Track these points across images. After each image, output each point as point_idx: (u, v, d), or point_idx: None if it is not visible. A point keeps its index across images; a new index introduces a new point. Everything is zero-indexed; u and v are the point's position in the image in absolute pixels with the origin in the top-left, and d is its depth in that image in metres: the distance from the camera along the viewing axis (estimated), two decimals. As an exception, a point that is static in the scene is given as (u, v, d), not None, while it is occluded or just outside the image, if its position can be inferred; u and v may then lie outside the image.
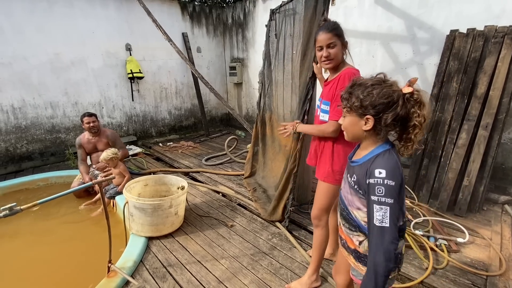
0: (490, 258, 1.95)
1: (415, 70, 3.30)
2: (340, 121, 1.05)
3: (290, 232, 2.32)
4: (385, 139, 0.96)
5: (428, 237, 2.15)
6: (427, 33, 3.14)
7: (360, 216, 0.99)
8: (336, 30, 1.43)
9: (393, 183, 0.86)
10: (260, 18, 5.12)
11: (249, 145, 3.63)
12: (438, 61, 2.96)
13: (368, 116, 0.91)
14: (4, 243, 2.47)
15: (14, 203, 1.24)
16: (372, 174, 0.89)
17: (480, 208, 2.57)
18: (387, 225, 0.85)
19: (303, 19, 2.23)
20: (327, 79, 1.59)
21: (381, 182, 0.86)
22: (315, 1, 2.03)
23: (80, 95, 4.43)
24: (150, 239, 2.28)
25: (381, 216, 0.86)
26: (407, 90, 0.88)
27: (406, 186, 2.92)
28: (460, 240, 2.11)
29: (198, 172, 3.72)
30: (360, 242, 1.02)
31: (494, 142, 2.51)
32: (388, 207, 0.85)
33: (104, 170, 3.07)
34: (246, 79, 5.85)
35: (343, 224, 1.10)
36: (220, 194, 3.13)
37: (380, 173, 0.88)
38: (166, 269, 1.96)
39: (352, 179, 0.98)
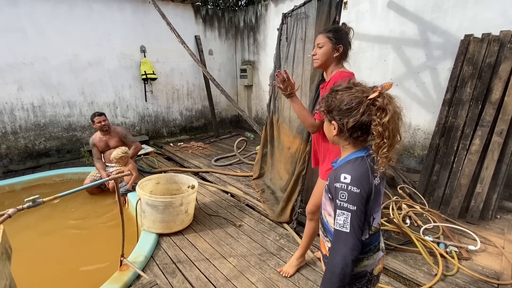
0: (502, 267, 1.91)
1: (428, 75, 3.26)
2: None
3: (298, 234, 2.34)
4: (361, 146, 0.92)
5: (438, 243, 2.13)
6: (441, 37, 3.11)
7: (330, 222, 0.95)
8: (330, 33, 1.51)
9: (357, 190, 0.83)
10: (272, 21, 5.18)
11: (258, 147, 3.67)
12: (451, 66, 2.92)
13: (333, 122, 0.91)
14: (23, 234, 2.57)
15: (37, 195, 1.31)
16: (338, 179, 0.86)
17: (493, 216, 2.52)
18: (347, 230, 0.82)
19: (316, 23, 2.26)
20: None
21: (345, 188, 0.84)
22: (328, 5, 2.06)
23: (96, 95, 4.58)
24: (160, 235, 2.34)
25: (342, 221, 0.83)
26: (371, 95, 0.84)
27: (416, 191, 2.89)
28: (471, 247, 2.08)
29: (208, 172, 3.78)
30: (329, 248, 0.96)
31: (508, 149, 2.46)
32: (350, 213, 0.83)
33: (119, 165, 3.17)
34: (257, 81, 5.91)
35: (320, 228, 1.08)
36: (229, 194, 3.17)
37: (345, 178, 0.85)
38: (176, 265, 2.01)
39: (326, 183, 0.96)
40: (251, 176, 3.48)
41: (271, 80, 3.25)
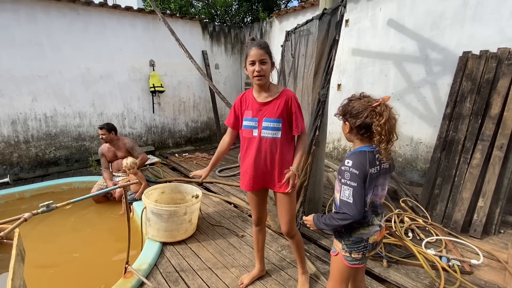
0: (506, 282, 1.89)
1: (428, 90, 3.34)
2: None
3: (300, 245, 2.35)
4: (367, 143, 1.20)
5: (440, 257, 2.12)
6: (440, 54, 3.20)
7: (337, 197, 1.23)
8: (267, 48, 1.50)
9: (356, 172, 1.11)
10: (276, 38, 5.36)
11: (261, 158, 3.72)
12: (451, 81, 3.00)
13: (346, 122, 1.21)
14: (29, 239, 2.64)
15: (51, 201, 1.39)
16: (343, 163, 1.17)
17: (496, 230, 2.51)
18: (351, 201, 1.11)
19: (316, 40, 2.38)
20: (255, 98, 1.62)
21: (348, 169, 1.13)
22: (328, 24, 2.17)
23: (105, 106, 4.75)
24: (164, 244, 2.38)
25: (347, 194, 1.12)
26: (373, 104, 1.13)
27: (419, 204, 2.90)
28: (474, 261, 2.07)
29: (212, 182, 3.83)
30: None
31: (510, 163, 2.48)
32: (352, 188, 1.11)
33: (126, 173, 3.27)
34: (261, 94, 6.04)
35: (333, 207, 1.34)
36: (232, 205, 3.21)
37: (348, 162, 1.14)
38: (179, 274, 2.04)
39: (339, 167, 1.26)
40: (254, 187, 3.52)
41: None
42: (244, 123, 1.65)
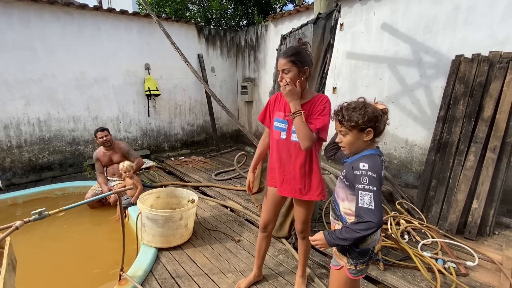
0: (501, 283, 1.91)
1: (422, 93, 3.37)
2: (338, 140, 1.22)
3: (296, 250, 2.34)
4: (373, 146, 1.20)
5: (436, 259, 2.13)
6: (433, 57, 3.25)
7: (342, 206, 1.22)
8: (293, 57, 1.43)
9: (374, 175, 1.06)
10: (272, 41, 5.39)
11: (258, 162, 3.72)
12: (444, 84, 3.04)
13: (369, 129, 1.14)
14: (23, 247, 2.59)
15: (43, 208, 1.36)
16: (357, 167, 1.10)
17: (491, 232, 2.53)
18: (373, 207, 1.03)
19: (312, 45, 2.39)
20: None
21: (364, 173, 1.07)
22: (323, 29, 2.19)
23: (100, 110, 4.70)
24: (160, 250, 2.35)
25: (368, 200, 1.04)
26: (382, 106, 1.18)
27: (414, 206, 2.92)
28: (469, 263, 2.08)
29: (208, 186, 3.81)
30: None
31: (503, 165, 2.52)
32: (372, 193, 1.04)
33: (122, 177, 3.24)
34: (257, 97, 6.06)
35: (331, 214, 1.33)
36: (229, 209, 3.20)
37: (363, 166, 1.09)
38: (175, 280, 2.02)
39: (342, 174, 1.22)
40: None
41: (270, 96, 3.35)
42: (274, 123, 1.62)
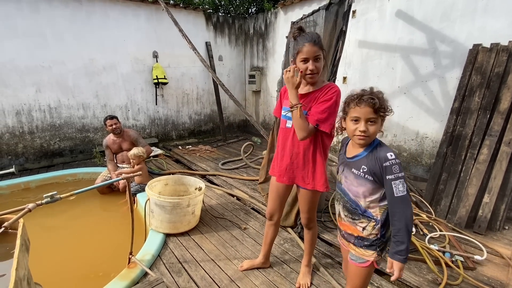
0: (509, 278, 1.88)
1: (436, 83, 3.27)
2: (363, 129, 1.10)
3: (302, 239, 2.35)
4: None
5: (443, 253, 2.11)
6: (449, 46, 3.12)
7: (366, 203, 1.17)
8: (321, 43, 1.40)
9: (399, 161, 1.08)
10: (281, 29, 5.27)
11: (264, 152, 3.72)
12: (460, 75, 2.93)
13: (386, 116, 1.13)
14: (34, 229, 2.68)
15: (55, 192, 1.40)
16: (386, 158, 1.08)
17: (501, 226, 2.48)
18: (405, 193, 1.06)
19: (323, 32, 2.32)
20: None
21: (395, 162, 1.07)
22: (335, 15, 2.12)
23: (109, 98, 4.74)
24: (167, 235, 2.40)
25: (401, 187, 1.06)
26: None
27: (423, 199, 2.88)
28: (477, 257, 2.06)
29: (215, 175, 3.84)
30: (364, 228, 1.20)
31: (517, 159, 2.44)
32: (403, 179, 1.07)
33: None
34: (265, 87, 5.99)
35: (345, 216, 1.27)
36: (235, 197, 3.22)
37: (391, 155, 1.08)
38: (182, 265, 2.06)
39: (362, 170, 1.15)
40: (257, 180, 3.53)
41: (278, 86, 3.30)
42: (282, 112, 1.61)
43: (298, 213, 2.44)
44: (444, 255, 2.08)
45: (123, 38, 4.65)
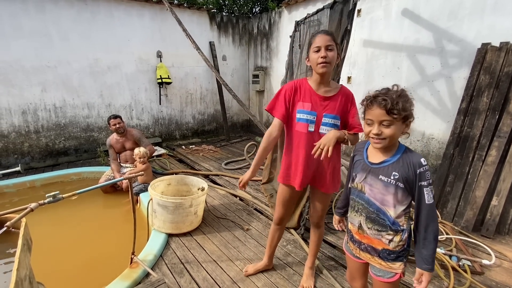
0: (519, 284, 1.83)
1: (443, 83, 3.20)
2: (376, 132, 1.06)
3: (305, 240, 2.33)
4: None
5: (450, 256, 2.07)
6: (457, 45, 3.06)
7: (395, 213, 1.10)
8: (333, 36, 1.41)
9: (428, 167, 1.06)
10: (285, 28, 5.24)
11: (268, 152, 3.68)
12: (467, 75, 2.87)
13: (410, 120, 1.07)
14: (38, 228, 2.69)
15: (57, 192, 1.39)
16: (420, 164, 1.04)
17: (510, 230, 2.42)
18: (433, 200, 1.04)
19: (327, 31, 2.29)
20: (315, 90, 1.50)
21: (427, 168, 1.04)
22: (340, 14, 2.08)
23: (113, 97, 4.76)
24: (170, 236, 2.40)
25: (431, 195, 1.04)
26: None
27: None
28: (485, 262, 2.01)
29: (218, 175, 3.83)
30: (390, 240, 1.13)
31: (527, 161, 2.38)
32: (432, 186, 1.04)
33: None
34: (268, 87, 5.96)
35: (368, 228, 1.17)
36: (238, 198, 3.20)
37: (424, 161, 1.05)
38: (184, 265, 2.05)
39: (393, 177, 1.07)
40: (260, 180, 3.50)
41: (282, 85, 3.28)
42: (299, 115, 1.49)
43: (301, 215, 2.42)
44: (450, 259, 2.04)
45: (127, 38, 4.67)
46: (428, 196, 1.02)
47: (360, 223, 1.20)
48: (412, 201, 1.10)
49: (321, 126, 1.47)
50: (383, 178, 1.09)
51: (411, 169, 1.04)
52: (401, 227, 1.11)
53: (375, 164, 1.13)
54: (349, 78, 4.18)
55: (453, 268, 1.94)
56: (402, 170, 1.06)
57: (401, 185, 1.06)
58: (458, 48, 3.05)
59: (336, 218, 1.50)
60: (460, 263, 2.01)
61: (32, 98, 4.11)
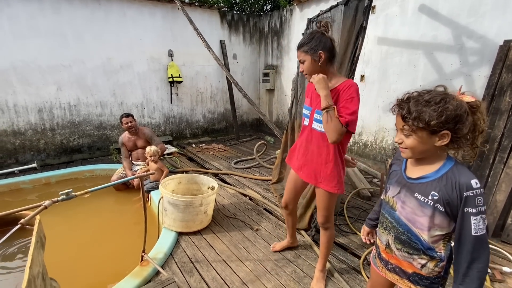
0: (544, 294, 1.73)
1: (462, 82, 3.08)
2: (397, 140, 0.97)
3: (316, 242, 2.29)
4: (447, 152, 0.95)
5: (468, 263, 1.98)
6: (477, 42, 2.93)
7: (431, 238, 0.95)
8: (302, 47, 1.46)
9: (483, 191, 0.89)
10: (296, 26, 5.17)
11: (278, 151, 3.66)
12: (489, 73, 2.74)
13: (444, 132, 0.87)
14: (50, 225, 2.76)
15: (71, 189, 1.41)
16: (469, 186, 0.86)
17: (533, 237, 2.30)
18: (484, 232, 0.85)
19: (342, 28, 2.23)
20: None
21: (480, 192, 0.85)
22: (355, 10, 2.02)
23: (125, 96, 4.83)
24: (180, 234, 2.40)
25: (482, 225, 0.85)
26: (470, 99, 0.87)
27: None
28: (506, 269, 1.92)
29: (227, 174, 3.82)
30: (423, 265, 0.98)
31: (553, 164, 2.25)
32: (484, 214, 0.86)
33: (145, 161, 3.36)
34: (279, 85, 5.91)
35: (397, 249, 1.04)
36: (247, 197, 3.19)
37: (476, 183, 0.86)
38: (193, 265, 2.05)
39: (431, 197, 0.92)
40: (270, 180, 3.47)
41: (293, 84, 3.23)
42: (303, 110, 1.67)
43: (312, 216, 2.37)
44: (469, 265, 1.95)
45: (139, 37, 4.72)
46: (475, 227, 0.85)
47: (388, 242, 1.07)
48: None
49: (313, 122, 1.57)
50: (419, 196, 0.94)
51: (455, 191, 0.87)
52: (438, 253, 0.96)
53: (412, 179, 0.98)
54: (362, 76, 4.08)
55: (472, 275, 1.85)
56: (444, 190, 0.89)
57: (441, 208, 0.90)
58: (479, 45, 2.92)
59: (365, 229, 1.33)
60: (480, 270, 1.92)
61: (48, 97, 4.21)
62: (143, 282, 1.81)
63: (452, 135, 0.87)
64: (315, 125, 1.55)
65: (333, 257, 2.14)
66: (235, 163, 4.21)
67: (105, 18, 4.37)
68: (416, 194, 0.95)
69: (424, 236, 0.95)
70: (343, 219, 2.61)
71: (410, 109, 0.89)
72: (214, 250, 2.22)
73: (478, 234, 0.85)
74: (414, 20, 3.39)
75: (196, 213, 2.37)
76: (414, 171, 0.98)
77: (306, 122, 1.63)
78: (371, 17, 3.77)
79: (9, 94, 3.94)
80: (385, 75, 3.79)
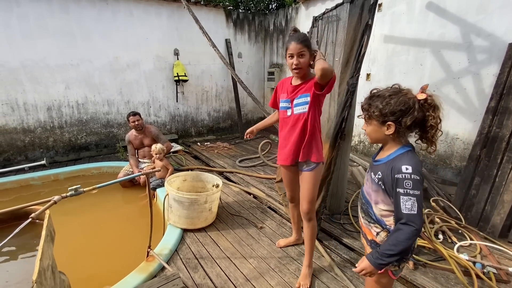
0: (551, 296, 1.71)
1: (470, 81, 3.04)
2: (363, 128, 1.17)
3: (320, 241, 2.29)
4: (406, 141, 1.09)
5: (474, 263, 1.96)
6: (486, 40, 2.88)
7: (378, 210, 1.13)
8: (305, 42, 1.57)
9: (418, 178, 0.98)
10: (302, 24, 5.15)
11: (283, 150, 3.66)
12: (497, 72, 2.69)
13: (389, 123, 1.04)
14: (58, 220, 2.82)
15: (79, 185, 1.44)
16: (399, 170, 1.00)
17: (542, 238, 2.27)
18: (415, 212, 0.97)
19: (348, 26, 2.22)
20: (291, 83, 1.76)
21: (408, 177, 0.98)
22: (361, 8, 2.01)
23: (132, 94, 4.89)
24: (185, 231, 2.43)
25: (410, 205, 0.97)
26: (421, 96, 1.01)
27: (451, 205, 2.70)
28: (513, 270, 1.89)
29: (232, 172, 3.85)
30: (377, 233, 1.15)
31: None
32: (415, 198, 0.97)
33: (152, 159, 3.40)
34: (284, 84, 5.90)
35: (362, 217, 1.24)
36: (252, 195, 3.20)
37: (406, 169, 0.99)
38: (198, 261, 2.08)
39: (377, 176, 1.10)
40: (274, 178, 3.48)
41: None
42: (281, 105, 1.81)
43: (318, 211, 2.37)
44: (474, 265, 1.93)
45: (146, 36, 4.77)
46: (403, 205, 0.98)
47: (359, 211, 1.29)
48: None
49: (294, 108, 1.71)
50: (372, 175, 1.14)
51: (390, 173, 1.03)
52: (387, 226, 1.11)
53: (375, 161, 1.17)
54: (368, 75, 4.05)
55: (477, 276, 1.84)
56: (385, 171, 1.06)
57: (382, 185, 1.07)
58: (488, 43, 2.88)
59: None
60: (485, 270, 1.90)
61: (57, 95, 4.29)
62: (149, 277, 1.85)
63: (397, 126, 1.03)
64: (296, 109, 1.69)
65: (337, 256, 2.14)
66: (240, 161, 4.23)
67: (112, 17, 4.42)
68: (371, 173, 1.15)
69: (375, 209, 1.14)
70: (347, 218, 2.61)
71: (365, 101, 1.10)
72: (219, 247, 2.25)
73: (405, 212, 0.98)
74: (422, 18, 3.35)
75: (201, 210, 2.40)
76: (379, 155, 1.17)
77: (288, 113, 1.74)
78: (378, 15, 3.74)
79: (19, 92, 4.03)
80: (391, 74, 3.76)
